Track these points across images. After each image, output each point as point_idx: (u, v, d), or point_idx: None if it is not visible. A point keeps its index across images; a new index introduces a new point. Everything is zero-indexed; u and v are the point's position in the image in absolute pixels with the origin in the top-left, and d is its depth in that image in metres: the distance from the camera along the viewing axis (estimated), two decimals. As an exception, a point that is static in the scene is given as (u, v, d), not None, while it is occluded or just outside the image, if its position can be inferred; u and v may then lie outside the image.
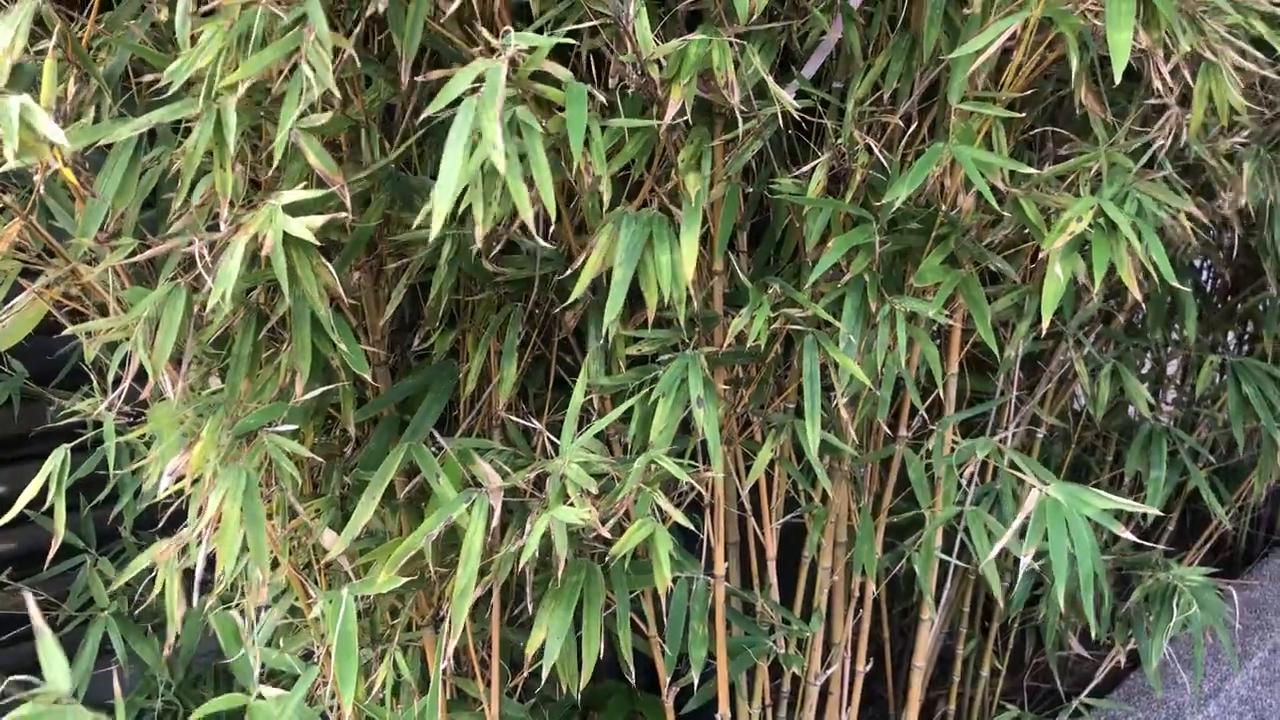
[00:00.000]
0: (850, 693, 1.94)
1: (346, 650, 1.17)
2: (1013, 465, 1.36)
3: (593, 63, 1.33)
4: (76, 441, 1.43)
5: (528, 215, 0.97)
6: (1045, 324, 1.24)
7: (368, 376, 1.34)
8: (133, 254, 1.10)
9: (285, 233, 0.97)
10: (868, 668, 1.92)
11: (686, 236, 1.24)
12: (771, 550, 1.75)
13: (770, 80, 1.20)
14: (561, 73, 1.05)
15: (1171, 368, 2.68)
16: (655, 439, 1.29)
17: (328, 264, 1.05)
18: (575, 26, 1.20)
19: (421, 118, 1.02)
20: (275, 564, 1.31)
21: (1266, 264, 1.98)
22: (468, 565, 1.14)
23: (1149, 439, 1.99)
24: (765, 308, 1.32)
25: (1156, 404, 2.56)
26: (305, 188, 1.02)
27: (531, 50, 1.02)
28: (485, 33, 1.02)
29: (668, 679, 1.74)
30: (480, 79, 0.97)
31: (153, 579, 1.37)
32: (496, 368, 1.46)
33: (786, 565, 1.81)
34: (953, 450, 1.42)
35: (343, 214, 1.02)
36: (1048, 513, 1.27)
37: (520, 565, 1.19)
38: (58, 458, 1.32)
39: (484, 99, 0.95)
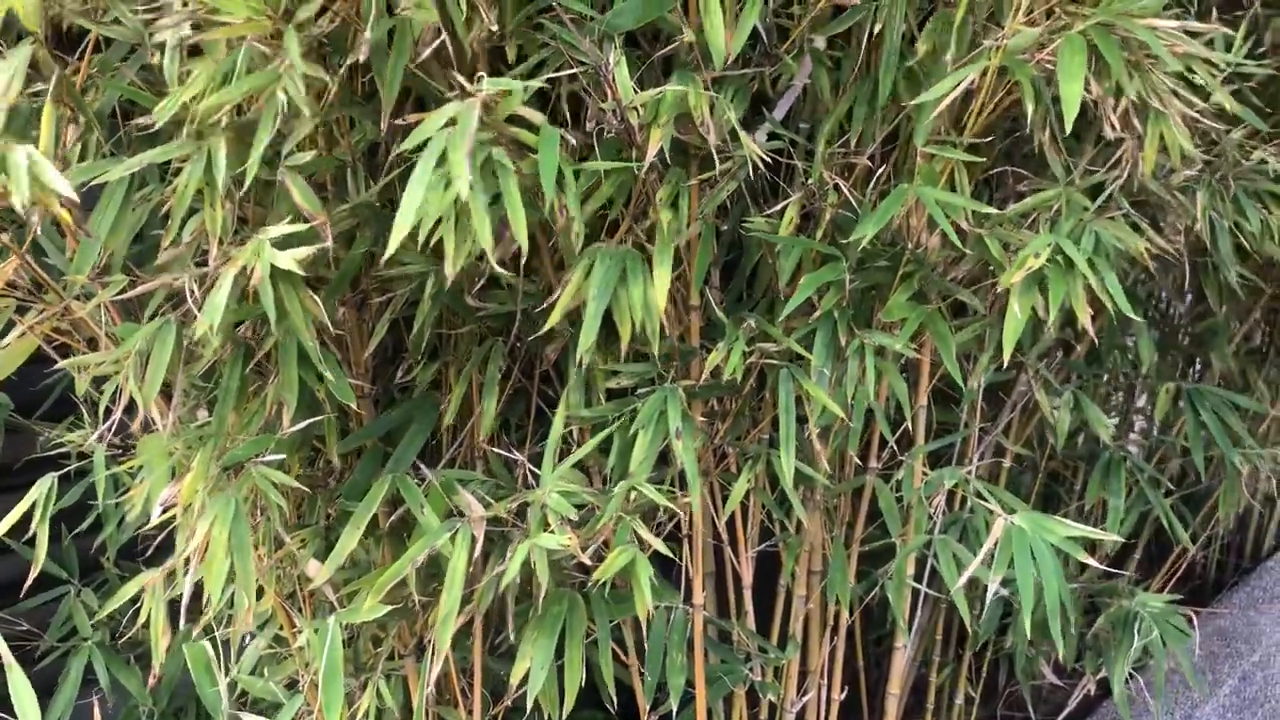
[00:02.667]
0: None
1: (333, 677, 1.19)
2: (979, 494, 1.40)
3: (568, 104, 1.37)
4: (62, 472, 1.45)
5: (489, 246, 1.01)
6: (1006, 357, 1.28)
7: (354, 407, 1.37)
8: (124, 290, 1.13)
9: (273, 266, 1.01)
10: (842, 695, 1.94)
11: (659, 270, 1.27)
12: (747, 579, 1.79)
13: (739, 129, 1.24)
14: (536, 117, 1.09)
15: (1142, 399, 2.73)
16: (635, 469, 1.32)
17: (315, 297, 1.08)
18: (554, 75, 1.23)
19: (393, 155, 1.06)
20: (261, 593, 1.33)
21: (1208, 288, 2.03)
22: (451, 591, 1.17)
23: (1108, 467, 2.04)
24: (740, 342, 1.36)
25: (1121, 433, 2.61)
26: (291, 224, 1.05)
27: (506, 94, 1.06)
28: (459, 78, 1.06)
29: (647, 707, 1.77)
30: (453, 120, 1.02)
31: (136, 609, 1.39)
32: (479, 400, 1.49)
33: (764, 595, 1.85)
34: (923, 480, 1.46)
35: (325, 245, 1.05)
36: (1014, 541, 1.30)
37: (500, 591, 1.21)
38: (43, 486, 1.34)
39: (454, 135, 0.99)
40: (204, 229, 1.05)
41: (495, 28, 1.08)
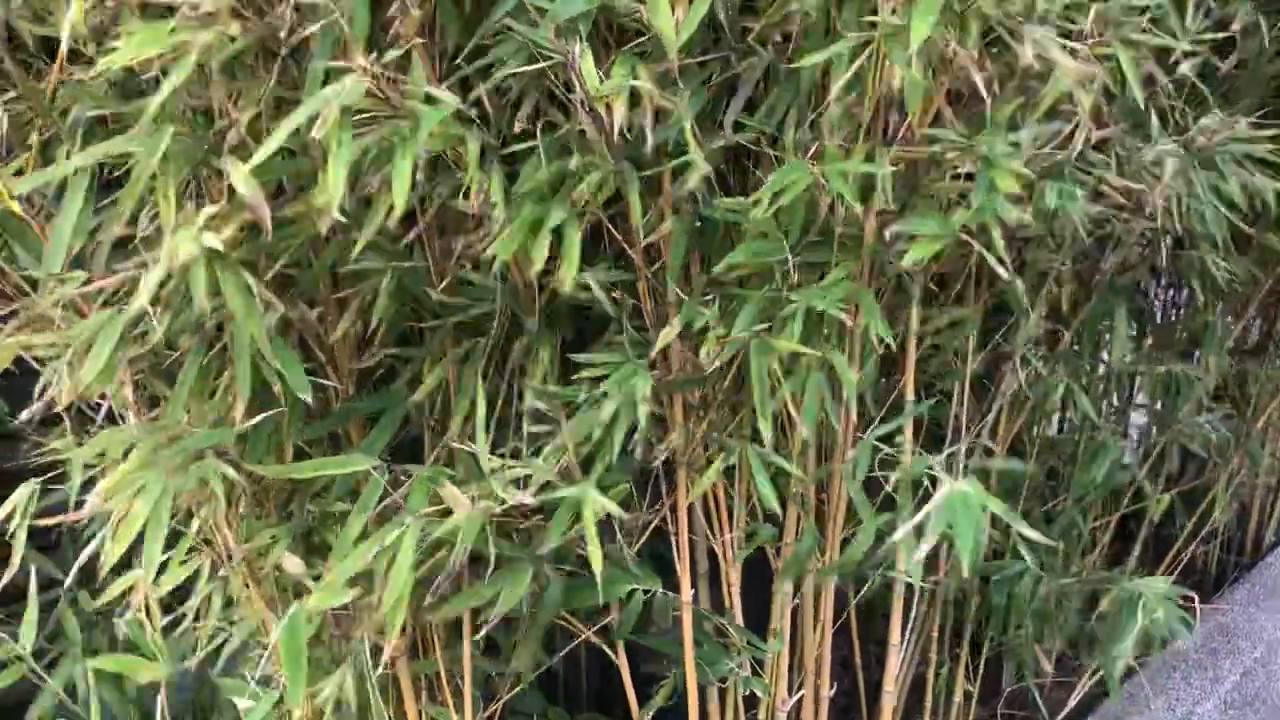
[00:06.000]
0: (816, 718, 1.96)
1: (294, 657, 1.20)
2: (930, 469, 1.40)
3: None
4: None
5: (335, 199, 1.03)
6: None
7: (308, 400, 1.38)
8: (86, 284, 1.13)
9: (210, 250, 1.02)
10: (832, 692, 1.94)
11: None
12: (733, 576, 1.79)
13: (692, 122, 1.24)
14: (446, 96, 1.10)
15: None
16: (598, 448, 1.33)
17: (252, 280, 1.08)
18: (525, 68, 1.24)
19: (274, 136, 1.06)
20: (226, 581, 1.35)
21: (1192, 276, 2.02)
22: (396, 583, 1.18)
23: (1096, 452, 2.05)
24: (710, 319, 1.36)
25: (1120, 428, 2.61)
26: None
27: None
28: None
29: (637, 705, 1.78)
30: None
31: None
32: (455, 397, 1.49)
33: (764, 593, 1.85)
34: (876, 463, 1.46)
35: (265, 230, 1.05)
36: (953, 503, 1.33)
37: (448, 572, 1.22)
38: (24, 492, 1.35)
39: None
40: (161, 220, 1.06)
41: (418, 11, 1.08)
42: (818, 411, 1.39)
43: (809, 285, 1.35)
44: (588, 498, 1.30)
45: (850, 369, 1.41)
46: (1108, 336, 2.36)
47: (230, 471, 1.14)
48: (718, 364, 1.41)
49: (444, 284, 1.36)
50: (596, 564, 1.27)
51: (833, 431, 1.71)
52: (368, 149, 1.09)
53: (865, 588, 1.90)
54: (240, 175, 0.99)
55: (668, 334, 1.38)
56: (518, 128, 1.27)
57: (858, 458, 1.45)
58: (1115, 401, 2.70)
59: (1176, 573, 2.68)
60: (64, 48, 1.05)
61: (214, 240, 1.00)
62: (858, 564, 1.67)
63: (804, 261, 1.36)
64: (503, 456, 1.43)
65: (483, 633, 1.45)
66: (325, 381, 1.45)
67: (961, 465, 2.02)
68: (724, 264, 1.36)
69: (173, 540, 1.37)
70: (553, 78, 1.25)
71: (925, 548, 1.30)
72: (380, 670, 1.57)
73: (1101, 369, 2.41)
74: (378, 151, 1.10)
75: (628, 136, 1.22)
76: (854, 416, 1.68)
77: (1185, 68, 1.31)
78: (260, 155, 1.01)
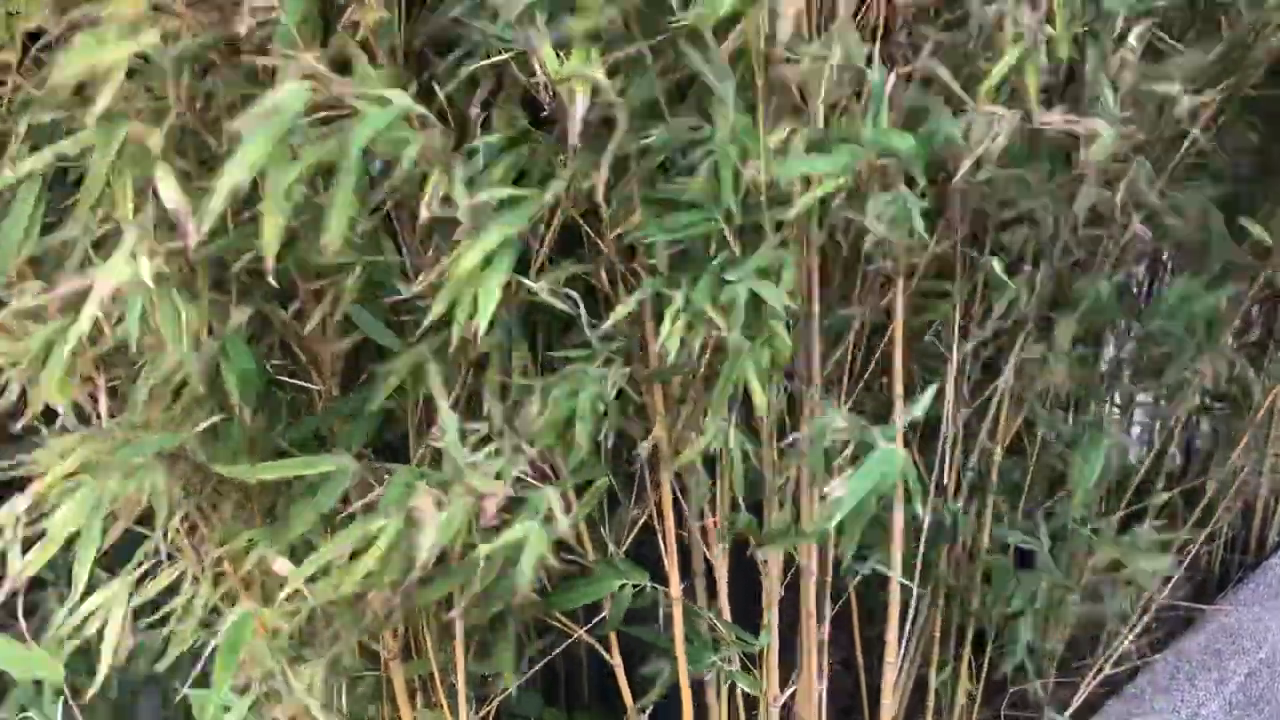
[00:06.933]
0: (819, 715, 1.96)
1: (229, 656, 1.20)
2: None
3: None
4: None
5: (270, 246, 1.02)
6: None
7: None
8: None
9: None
10: (823, 687, 1.94)
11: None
12: (720, 570, 1.78)
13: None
14: (399, 97, 1.08)
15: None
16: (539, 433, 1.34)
17: (182, 305, 1.07)
18: (489, 60, 1.24)
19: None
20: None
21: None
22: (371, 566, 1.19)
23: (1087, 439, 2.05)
24: (682, 314, 1.36)
25: (1122, 426, 2.60)
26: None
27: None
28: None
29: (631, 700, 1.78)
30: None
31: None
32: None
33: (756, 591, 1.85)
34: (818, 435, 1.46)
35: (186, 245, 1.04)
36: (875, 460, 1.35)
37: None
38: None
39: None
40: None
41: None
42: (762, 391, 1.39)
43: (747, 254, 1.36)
44: (533, 536, 1.29)
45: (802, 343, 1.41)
46: (1108, 332, 2.36)
47: (160, 480, 1.14)
48: (687, 353, 1.41)
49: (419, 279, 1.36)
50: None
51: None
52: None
53: (856, 579, 1.89)
54: (168, 186, 0.98)
55: (621, 311, 1.38)
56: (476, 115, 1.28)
57: (811, 434, 1.45)
58: (1118, 398, 2.69)
59: (1179, 572, 2.66)
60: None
61: (147, 270, 0.99)
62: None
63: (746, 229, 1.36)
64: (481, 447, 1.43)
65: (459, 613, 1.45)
66: (309, 385, 1.46)
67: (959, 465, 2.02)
68: (648, 239, 1.37)
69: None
70: (514, 68, 1.26)
71: (837, 489, 1.30)
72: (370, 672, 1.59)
73: (1103, 366, 2.40)
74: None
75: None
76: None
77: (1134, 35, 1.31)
78: (216, 201, 1.00)
